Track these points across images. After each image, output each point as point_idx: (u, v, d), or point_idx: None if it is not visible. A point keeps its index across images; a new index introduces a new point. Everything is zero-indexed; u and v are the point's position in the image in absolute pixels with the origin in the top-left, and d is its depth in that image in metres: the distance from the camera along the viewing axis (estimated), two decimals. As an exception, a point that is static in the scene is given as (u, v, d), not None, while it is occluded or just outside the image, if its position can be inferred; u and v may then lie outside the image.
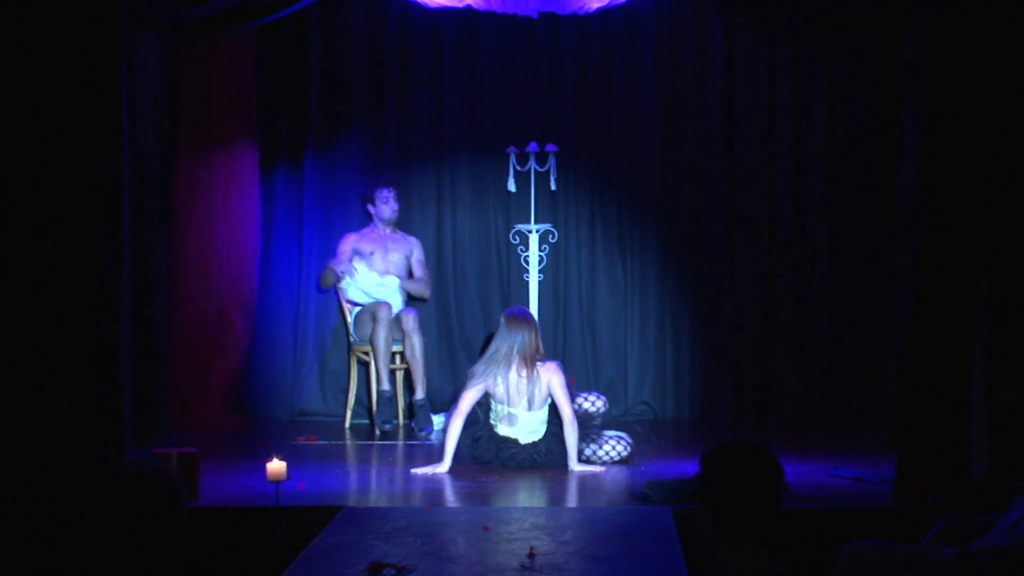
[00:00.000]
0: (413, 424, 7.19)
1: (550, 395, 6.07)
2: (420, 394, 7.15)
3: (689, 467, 5.85)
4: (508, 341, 6.02)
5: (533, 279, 7.75)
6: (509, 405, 6.05)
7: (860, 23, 5.73)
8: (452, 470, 5.95)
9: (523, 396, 6.04)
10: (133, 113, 6.01)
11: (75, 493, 2.32)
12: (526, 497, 5.59)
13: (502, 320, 6.11)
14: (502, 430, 6.10)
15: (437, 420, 7.38)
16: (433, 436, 6.97)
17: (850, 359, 7.45)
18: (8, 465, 5.13)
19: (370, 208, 7.57)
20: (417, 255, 7.64)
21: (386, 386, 7.12)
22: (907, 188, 6.14)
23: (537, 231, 7.77)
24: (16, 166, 5.30)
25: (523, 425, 6.08)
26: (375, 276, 7.43)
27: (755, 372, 7.57)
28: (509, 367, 6.01)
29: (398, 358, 7.40)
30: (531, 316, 6.25)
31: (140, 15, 5.75)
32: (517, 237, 7.84)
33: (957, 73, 5.23)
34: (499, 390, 6.04)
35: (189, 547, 2.38)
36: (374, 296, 7.39)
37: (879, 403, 7.16)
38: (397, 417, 7.30)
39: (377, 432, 7.03)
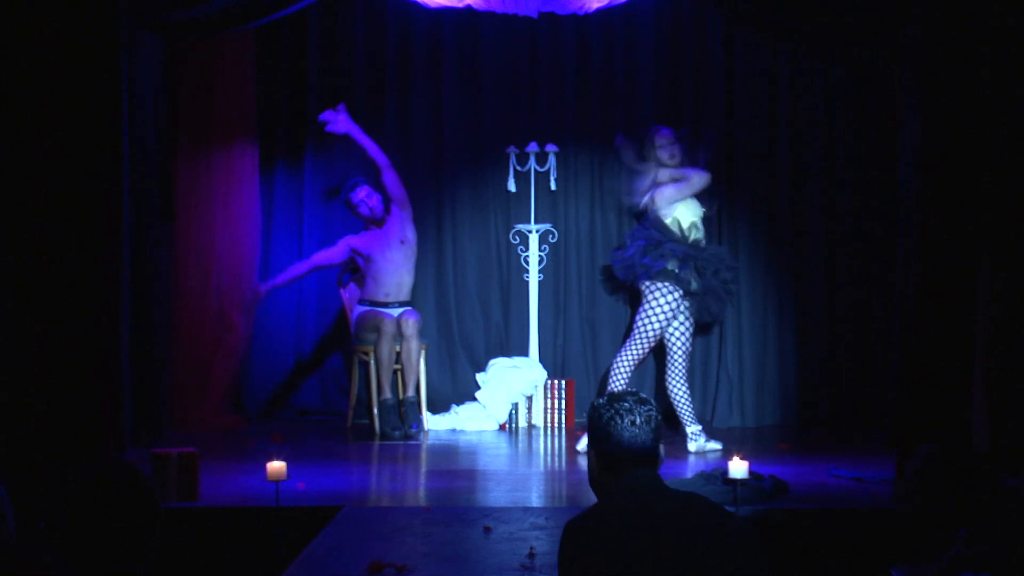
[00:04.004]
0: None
1: None
2: (411, 392, 7.19)
3: (687, 468, 5.85)
4: None
5: (533, 279, 7.74)
6: None
7: (859, 22, 5.74)
8: (451, 470, 5.95)
9: None
10: (133, 113, 6.01)
11: (49, 493, 2.30)
12: (526, 497, 5.59)
13: None
14: None
15: (437, 419, 7.39)
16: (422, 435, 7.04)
17: (850, 358, 7.44)
18: (8, 465, 5.13)
19: (359, 213, 7.48)
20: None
21: (388, 395, 7.14)
22: (906, 186, 6.14)
23: (537, 231, 7.77)
24: (16, 166, 5.31)
25: None
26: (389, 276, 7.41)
27: (755, 372, 7.57)
28: None
29: (397, 356, 7.39)
30: None
31: (140, 15, 5.76)
32: (517, 237, 7.84)
33: (955, 70, 5.23)
34: None
35: (161, 541, 2.35)
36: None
37: (879, 403, 7.16)
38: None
39: (398, 433, 7.00)
